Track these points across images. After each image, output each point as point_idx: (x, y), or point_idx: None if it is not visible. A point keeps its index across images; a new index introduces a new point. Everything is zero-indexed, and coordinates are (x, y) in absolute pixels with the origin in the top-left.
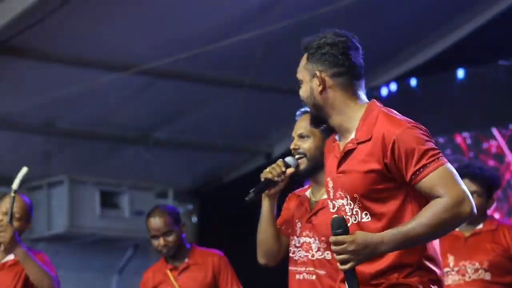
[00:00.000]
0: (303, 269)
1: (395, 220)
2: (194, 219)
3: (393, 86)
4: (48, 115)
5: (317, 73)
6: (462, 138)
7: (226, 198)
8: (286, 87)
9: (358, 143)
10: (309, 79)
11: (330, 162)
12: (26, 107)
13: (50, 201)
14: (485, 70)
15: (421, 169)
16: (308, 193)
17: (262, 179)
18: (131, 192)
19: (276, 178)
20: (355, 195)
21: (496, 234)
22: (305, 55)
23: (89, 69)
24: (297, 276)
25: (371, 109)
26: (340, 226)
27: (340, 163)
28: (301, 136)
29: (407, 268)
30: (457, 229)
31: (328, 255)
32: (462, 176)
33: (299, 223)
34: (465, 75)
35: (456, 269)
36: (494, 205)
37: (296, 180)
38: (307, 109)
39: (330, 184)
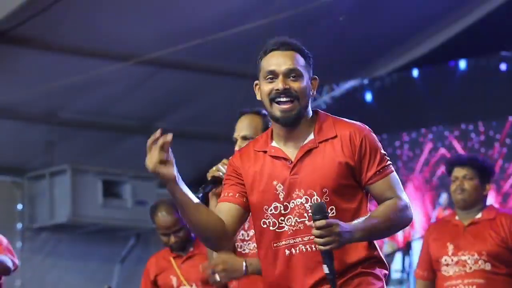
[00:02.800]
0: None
1: (354, 218)
2: None
3: (395, 77)
4: (50, 105)
5: (314, 78)
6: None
7: None
8: None
9: (319, 142)
10: (308, 78)
11: (274, 167)
12: (29, 97)
13: (53, 191)
14: (487, 61)
15: (381, 170)
16: None
17: (209, 178)
18: (133, 181)
19: (223, 176)
20: (324, 189)
21: (494, 223)
22: (298, 54)
23: (92, 59)
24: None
25: (324, 115)
26: (323, 211)
27: (295, 165)
28: (245, 138)
29: (372, 260)
30: (456, 218)
31: None
32: (451, 166)
33: None
34: (467, 66)
35: (455, 259)
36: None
37: None
38: (246, 110)
39: (280, 188)
